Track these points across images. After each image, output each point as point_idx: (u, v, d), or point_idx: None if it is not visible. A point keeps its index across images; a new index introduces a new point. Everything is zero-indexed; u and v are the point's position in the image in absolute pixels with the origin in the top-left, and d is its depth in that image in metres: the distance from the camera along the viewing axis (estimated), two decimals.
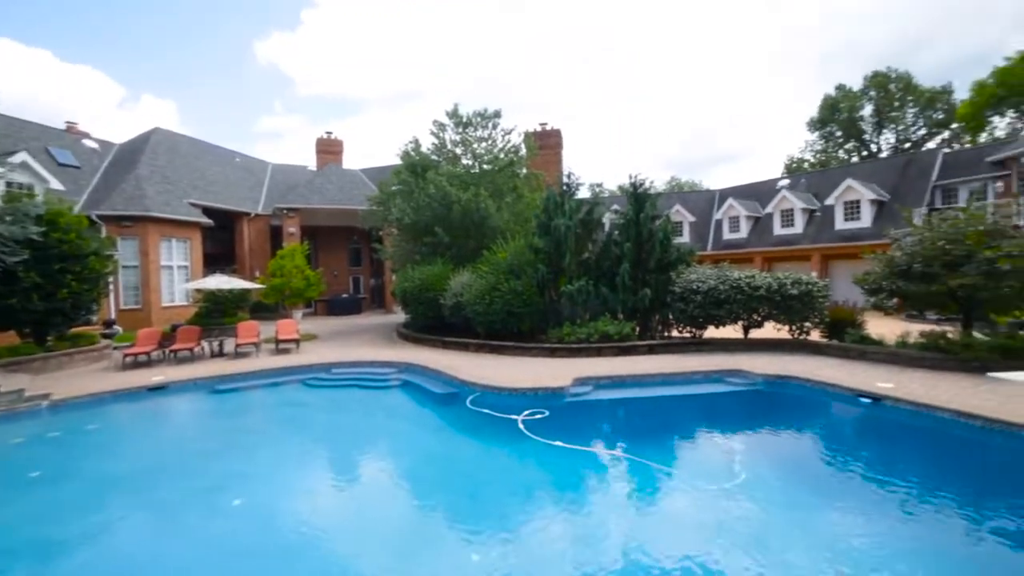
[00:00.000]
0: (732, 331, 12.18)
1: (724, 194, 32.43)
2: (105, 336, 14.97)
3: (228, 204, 24.17)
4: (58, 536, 4.60)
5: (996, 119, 36.77)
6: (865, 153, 45.75)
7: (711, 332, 12.14)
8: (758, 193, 30.29)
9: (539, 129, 29.33)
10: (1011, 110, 35.79)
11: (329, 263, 28.24)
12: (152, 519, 5.03)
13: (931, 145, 41.10)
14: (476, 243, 16.11)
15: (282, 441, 7.63)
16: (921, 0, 60.69)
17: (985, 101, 35.57)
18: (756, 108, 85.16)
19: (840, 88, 46.40)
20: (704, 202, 33.13)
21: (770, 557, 3.92)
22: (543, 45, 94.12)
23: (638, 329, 12.37)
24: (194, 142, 26.92)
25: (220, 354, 13.08)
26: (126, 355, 12.07)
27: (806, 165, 48.50)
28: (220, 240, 25.43)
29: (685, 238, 30.05)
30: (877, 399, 7.48)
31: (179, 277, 19.60)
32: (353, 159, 57.39)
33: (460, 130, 18.72)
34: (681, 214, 31.25)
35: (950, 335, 9.73)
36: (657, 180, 67.02)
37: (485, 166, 18.39)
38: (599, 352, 11.21)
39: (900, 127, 44.87)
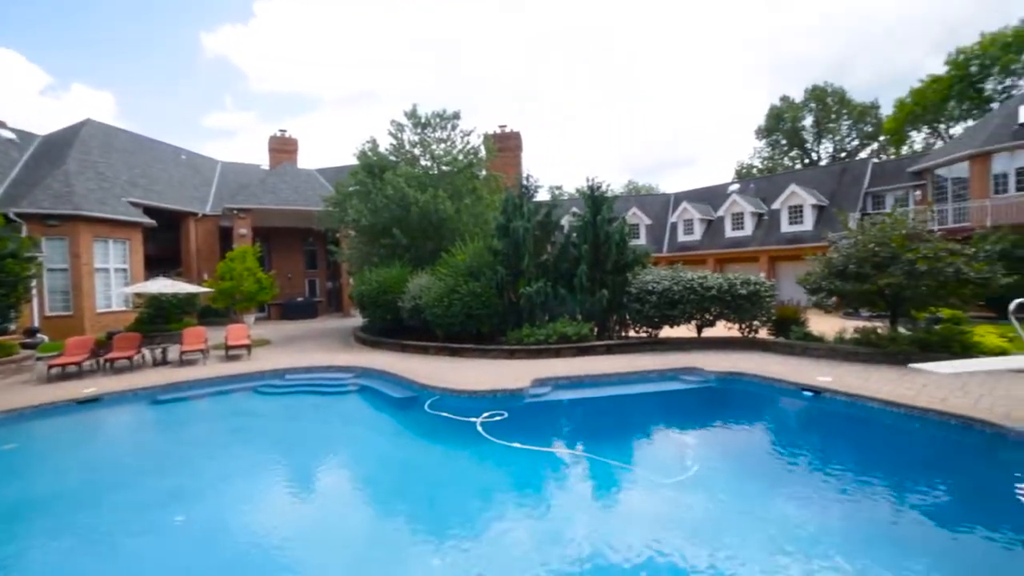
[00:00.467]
0: (686, 330, 12.62)
1: (679, 198, 33.57)
2: (26, 346, 13.78)
3: (173, 203, 22.91)
4: None
5: (914, 133, 40.58)
6: (807, 161, 48.55)
7: (666, 332, 12.53)
8: (711, 197, 31.53)
9: (498, 131, 29.41)
10: (925, 126, 39.75)
11: (283, 266, 27.26)
12: (74, 545, 4.54)
13: (863, 155, 44.21)
14: (435, 245, 15.98)
15: (231, 452, 7.24)
16: (853, 22, 65.42)
17: (905, 117, 39.50)
18: (711, 114, 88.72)
19: (784, 99, 49.12)
20: (660, 205, 34.16)
21: (721, 543, 4.12)
22: (506, 45, 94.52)
23: (596, 330, 12.61)
24: (134, 137, 25.31)
25: (163, 362, 12.35)
26: (51, 366, 11.17)
27: (755, 171, 50.97)
28: (164, 241, 24.06)
29: (642, 240, 30.87)
30: (818, 392, 7.94)
31: (117, 281, 18.37)
32: (309, 159, 55.46)
33: (419, 131, 18.53)
34: (638, 216, 32.07)
35: (879, 331, 10.48)
36: (615, 183, 68.78)
37: (444, 167, 18.27)
38: (558, 353, 11.34)
39: (837, 138, 48.02)
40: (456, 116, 18.55)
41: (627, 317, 12.59)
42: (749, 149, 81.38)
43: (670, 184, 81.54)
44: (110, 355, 11.88)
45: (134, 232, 19.17)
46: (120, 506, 5.30)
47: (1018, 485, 5.27)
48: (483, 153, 18.98)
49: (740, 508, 4.88)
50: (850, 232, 11.02)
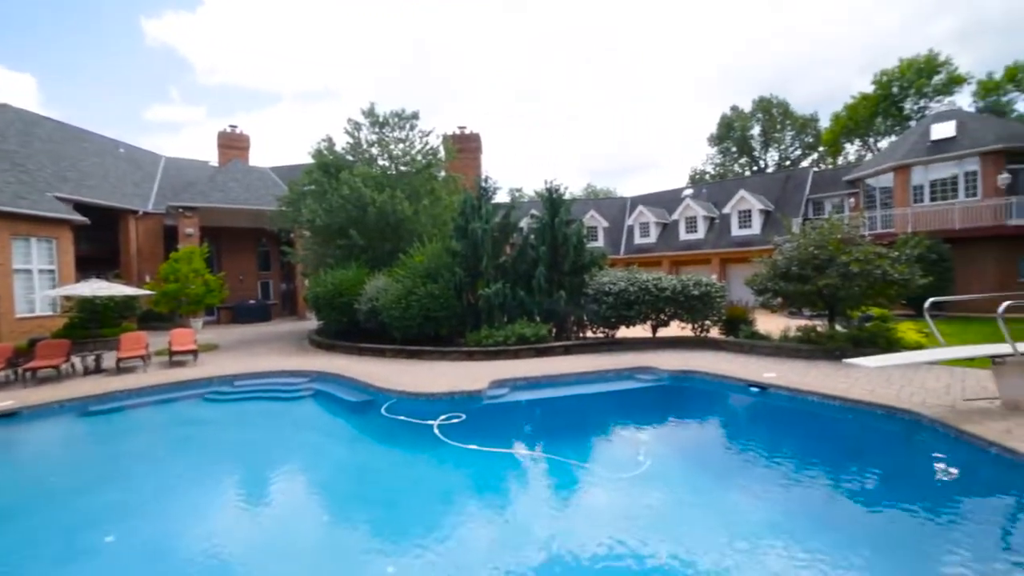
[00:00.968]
0: (642, 330, 12.97)
1: (635, 201, 34.50)
2: None
3: (109, 200, 21.46)
4: None
5: (848, 145, 44.12)
6: (755, 168, 51.06)
7: (623, 332, 12.83)
8: (666, 201, 32.57)
9: (458, 132, 29.32)
10: (857, 139, 43.31)
11: (234, 267, 26.09)
12: None
13: (805, 164, 47.01)
14: (392, 246, 15.74)
15: (172, 464, 6.77)
16: (794, 41, 69.70)
17: (840, 130, 42.99)
18: (668, 121, 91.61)
19: (734, 109, 51.52)
20: (617, 209, 35.00)
21: (673, 533, 4.30)
22: (471, 46, 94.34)
23: (554, 331, 12.77)
24: (62, 127, 23.54)
25: (97, 370, 11.52)
26: None
27: (707, 176, 53.10)
28: (100, 241, 22.56)
29: (600, 242, 31.51)
30: (764, 388, 8.32)
31: (43, 283, 16.96)
32: (265, 157, 53.38)
33: (376, 130, 18.22)
34: (596, 219, 32.72)
35: (819, 329, 11.14)
36: (575, 186, 70.05)
37: (402, 167, 18.05)
38: (516, 354, 11.40)
39: (782, 147, 50.89)
40: (415, 116, 18.36)
41: (584, 318, 12.81)
42: (702, 155, 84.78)
43: (628, 188, 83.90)
44: (31, 364, 10.89)
45: (62, 230, 17.73)
46: (35, 530, 4.79)
47: (935, 465, 5.74)
48: (442, 154, 18.87)
49: (691, 499, 5.09)
50: (793, 236, 11.63)
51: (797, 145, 50.12)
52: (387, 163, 18.30)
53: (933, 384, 7.71)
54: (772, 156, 51.31)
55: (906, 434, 6.29)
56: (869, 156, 37.56)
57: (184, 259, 17.04)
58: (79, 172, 21.45)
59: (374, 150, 18.44)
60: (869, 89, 40.77)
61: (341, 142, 18.18)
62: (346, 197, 15.51)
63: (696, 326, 12.50)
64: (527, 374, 9.57)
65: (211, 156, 29.75)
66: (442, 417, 7.45)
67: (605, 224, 32.93)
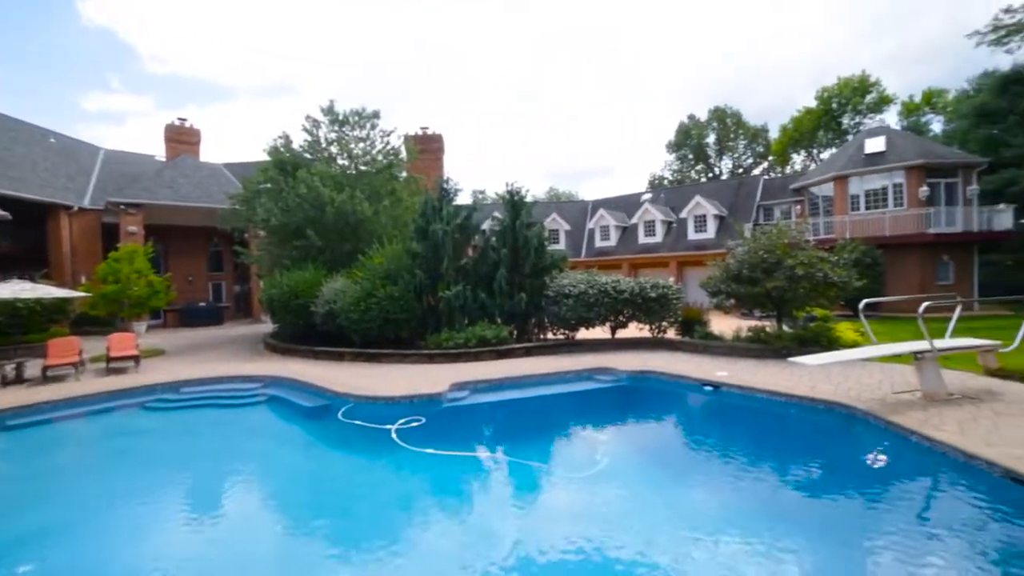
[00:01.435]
0: (601, 332, 13.22)
1: (596, 205, 35.17)
2: None
3: (37, 193, 19.87)
4: None
5: (795, 156, 47.05)
6: (711, 175, 53.15)
7: (583, 333, 13.03)
8: (626, 205, 33.37)
9: (420, 132, 29.04)
10: (803, 150, 46.28)
11: (183, 268, 24.77)
12: None
13: (756, 172, 49.27)
14: (352, 247, 15.40)
15: (106, 480, 6.22)
16: (749, 56, 73.24)
17: (787, 141, 45.94)
18: (630, 127, 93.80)
19: (691, 117, 53.51)
20: (579, 212, 35.57)
21: (630, 528, 4.42)
22: (436, 45, 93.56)
23: (515, 332, 12.83)
24: None
25: (18, 380, 10.57)
26: None
27: (666, 182, 54.79)
28: (26, 238, 20.93)
29: (561, 245, 31.93)
30: (717, 386, 8.66)
31: None
32: (217, 153, 50.78)
33: (336, 128, 17.78)
34: (558, 222, 33.13)
35: (768, 329, 11.69)
36: (538, 189, 70.69)
37: (362, 167, 17.69)
38: (477, 356, 11.39)
39: (735, 155, 53.24)
40: (376, 115, 18.05)
41: (545, 320, 12.94)
42: (661, 162, 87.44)
43: (590, 191, 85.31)
44: None
45: None
46: None
47: (868, 454, 6.17)
48: (404, 154, 18.64)
49: (648, 494, 5.26)
50: (744, 241, 12.16)
51: (749, 154, 52.58)
52: (347, 162, 17.89)
53: (867, 380, 8.25)
54: (726, 164, 53.60)
55: (844, 426, 6.70)
56: (813, 166, 39.85)
57: (125, 259, 16.03)
58: (1, 162, 19.81)
59: (333, 149, 17.98)
60: (813, 104, 43.69)
61: (299, 140, 17.65)
62: (303, 196, 15.07)
63: (653, 327, 12.85)
64: (488, 376, 9.57)
65: (159, 150, 28.11)
66: (400, 421, 7.34)
67: (567, 227, 33.39)
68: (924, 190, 20.28)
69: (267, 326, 19.53)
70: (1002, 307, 18.69)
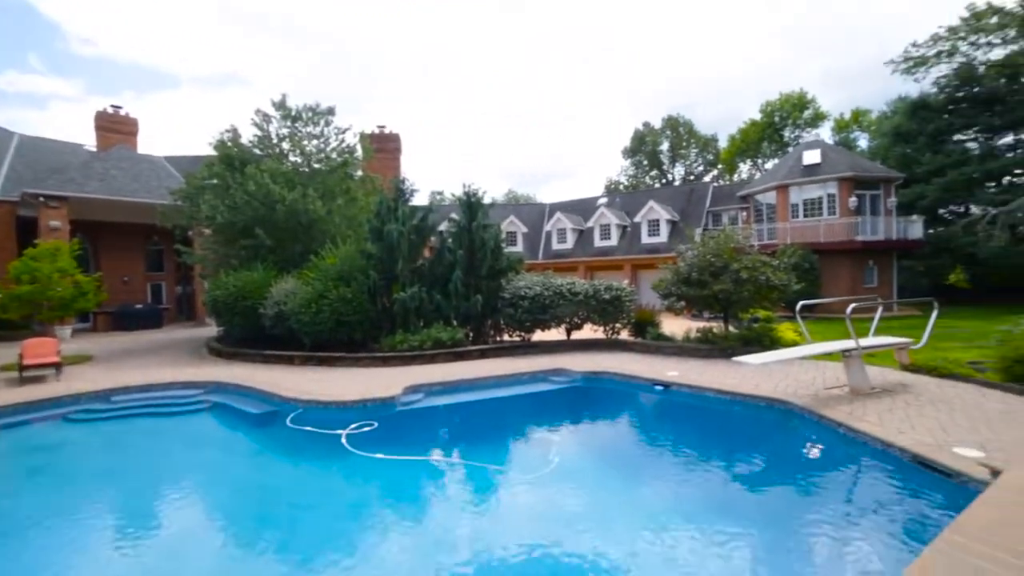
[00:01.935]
0: (557, 333, 13.40)
1: (553, 208, 35.65)
2: None
3: None
4: None
5: (742, 165, 49.91)
6: (664, 181, 55.01)
7: (539, 335, 13.16)
8: (582, 208, 34.01)
9: (377, 131, 28.49)
10: (749, 159, 49.17)
11: (116, 268, 23.14)
12: None
13: (707, 179, 51.46)
14: (303, 247, 14.90)
15: (15, 503, 5.44)
16: (700, 67, 76.49)
17: (735, 150, 48.70)
18: (588, 132, 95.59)
19: (646, 125, 55.28)
20: (536, 214, 35.95)
21: (582, 525, 4.52)
22: (394, 41, 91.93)
23: (471, 334, 12.80)
24: None
25: None
26: None
27: (621, 187, 56.28)
28: None
29: (519, 247, 32.17)
30: (667, 386, 8.93)
31: None
32: (158, 145, 47.47)
33: (288, 124, 17.15)
34: (515, 225, 33.36)
35: (715, 330, 12.22)
36: (497, 191, 70.91)
37: (316, 165, 17.16)
38: (433, 359, 11.29)
39: (687, 162, 55.44)
40: (331, 112, 17.55)
41: (501, 322, 12.98)
42: (617, 167, 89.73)
43: (548, 194, 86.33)
44: None
45: None
46: None
47: (803, 445, 6.57)
48: (359, 153, 18.22)
49: (601, 491, 5.38)
50: (694, 245, 12.65)
51: (700, 162, 54.92)
52: (299, 160, 17.29)
53: (803, 377, 8.78)
54: (679, 170, 55.71)
55: (783, 421, 7.08)
56: (758, 175, 42.14)
57: (46, 257, 14.72)
58: None
59: (285, 145, 17.34)
60: (758, 116, 46.38)
61: (248, 134, 16.91)
62: (252, 193, 14.43)
63: (607, 328, 13.14)
64: (443, 379, 9.50)
65: (89, 139, 26.02)
66: (352, 426, 7.16)
67: (524, 229, 33.66)
68: (853, 200, 21.90)
69: (211, 329, 18.55)
70: (915, 308, 20.40)
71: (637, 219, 29.22)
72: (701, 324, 13.80)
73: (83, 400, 9.03)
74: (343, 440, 6.71)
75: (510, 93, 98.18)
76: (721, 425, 7.70)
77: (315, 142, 17.42)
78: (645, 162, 56.07)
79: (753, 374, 9.01)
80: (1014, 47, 24.15)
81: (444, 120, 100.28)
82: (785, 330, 11.86)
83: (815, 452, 6.36)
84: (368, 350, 11.95)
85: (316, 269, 12.69)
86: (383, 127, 29.34)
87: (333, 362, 11.44)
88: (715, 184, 34.40)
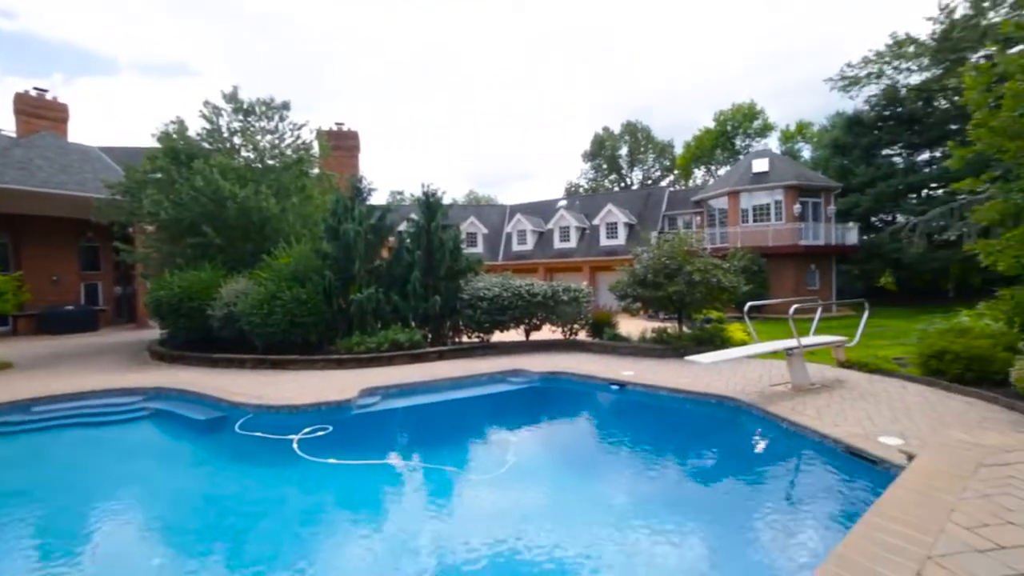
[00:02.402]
0: (516, 334, 13.47)
1: (514, 209, 35.86)
2: None
3: None
4: None
5: (697, 171, 52.10)
6: (623, 184, 56.40)
7: (498, 336, 13.19)
8: (542, 210, 34.37)
9: (335, 128, 27.79)
10: (703, 166, 51.44)
11: (43, 266, 21.41)
12: None
13: (663, 184, 53.16)
14: (255, 246, 14.34)
15: None
16: (651, 79, 79.09)
17: (690, 157, 50.77)
18: (550, 135, 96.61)
19: (606, 130, 56.53)
20: (497, 216, 36.06)
21: (539, 523, 4.58)
22: (351, 34, 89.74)
23: (430, 336, 12.69)
24: None
25: None
26: None
27: (581, 189, 57.30)
28: None
29: (479, 248, 32.17)
30: (623, 385, 9.14)
31: None
32: (93, 134, 44.19)
33: (240, 118, 16.47)
34: (476, 226, 33.34)
35: (669, 330, 12.64)
36: (458, 192, 70.63)
37: (270, 161, 16.56)
38: (390, 361, 11.11)
39: (645, 167, 57.05)
40: (285, 106, 16.97)
41: (460, 323, 12.93)
42: (577, 170, 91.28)
43: (510, 196, 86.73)
44: None
45: None
46: None
47: (750, 440, 6.90)
48: (316, 150, 17.72)
49: (559, 489, 5.48)
50: (650, 247, 13.04)
51: (657, 167, 56.66)
52: (252, 155, 16.63)
53: (751, 374, 9.20)
54: (637, 175, 57.29)
55: (732, 417, 7.40)
56: (711, 181, 43.93)
57: None
58: None
59: (236, 140, 16.62)
60: (711, 125, 48.45)
61: (196, 127, 16.11)
62: (200, 189, 13.75)
63: (566, 329, 13.35)
64: (400, 381, 9.37)
65: (8, 124, 23.84)
66: (305, 431, 6.95)
67: (485, 230, 33.69)
68: (797, 207, 23.28)
69: (155, 332, 17.51)
70: (851, 308, 21.87)
71: (596, 221, 29.82)
72: (656, 325, 14.24)
73: None
74: (295, 446, 6.51)
75: (475, 93, 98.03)
76: (674, 422, 7.95)
77: (269, 137, 16.80)
78: (604, 166, 57.31)
79: (705, 373, 9.35)
80: (927, 74, 26.69)
81: (404, 122, 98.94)
82: (735, 330, 12.42)
83: (761, 446, 6.71)
84: (324, 352, 11.63)
85: (269, 269, 12.25)
86: (341, 124, 28.62)
87: (286, 365, 11.07)
88: (671, 189, 35.58)
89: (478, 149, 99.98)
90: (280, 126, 16.97)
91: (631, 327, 14.06)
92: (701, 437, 7.38)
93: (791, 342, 7.96)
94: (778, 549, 4.11)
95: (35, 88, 23.12)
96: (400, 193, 58.97)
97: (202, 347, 12.63)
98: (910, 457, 4.34)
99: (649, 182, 54.98)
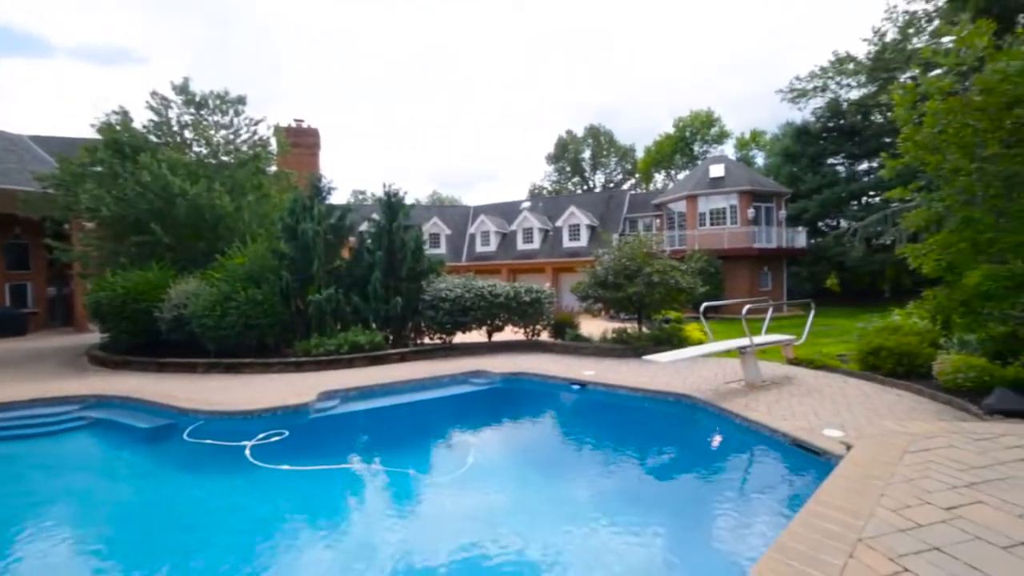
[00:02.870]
0: (478, 335, 13.45)
1: (477, 210, 35.85)
2: None
3: None
4: None
5: (657, 175, 53.76)
6: (585, 187, 57.34)
7: (460, 337, 13.14)
8: (506, 211, 34.50)
9: (294, 125, 26.97)
10: (663, 170, 53.18)
11: None
12: None
13: (625, 187, 54.41)
14: (208, 246, 13.73)
15: None
16: (617, 83, 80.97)
17: (651, 161, 52.34)
18: (514, 137, 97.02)
19: (569, 133, 57.33)
20: (460, 217, 35.94)
21: (501, 523, 4.60)
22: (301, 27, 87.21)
23: (391, 338, 12.51)
24: None
25: None
26: None
27: (544, 191, 57.87)
28: None
29: (442, 249, 31.99)
30: (583, 385, 9.28)
31: None
32: (21, 122, 40.99)
33: (192, 110, 15.75)
34: (439, 226, 33.12)
35: (629, 330, 12.93)
36: (421, 193, 70.03)
37: (224, 157, 15.91)
38: (350, 363, 10.88)
39: (607, 170, 58.22)
40: (241, 100, 16.35)
41: (422, 324, 12.81)
42: (541, 172, 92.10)
43: (474, 197, 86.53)
44: None
45: None
46: None
47: (706, 435, 7.18)
48: (274, 146, 17.15)
49: (521, 489, 5.52)
50: (610, 249, 13.31)
51: (619, 170, 57.96)
52: (204, 150, 15.93)
53: (706, 373, 9.54)
54: (599, 178, 58.39)
55: (688, 415, 7.64)
56: (671, 185, 45.32)
57: None
58: None
59: (188, 133, 15.90)
60: (671, 130, 50.03)
61: (143, 118, 15.29)
62: (147, 185, 13.05)
63: (528, 330, 13.44)
64: (360, 383, 9.19)
65: None
66: (260, 436, 6.71)
67: (448, 231, 33.52)
68: (751, 211, 24.36)
69: (95, 336, 16.46)
70: (801, 308, 23.04)
71: (559, 223, 30.18)
72: (617, 325, 14.54)
73: None
74: (247, 452, 6.27)
75: (442, 93, 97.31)
76: (633, 420, 8.14)
77: (223, 132, 16.16)
78: (567, 168, 58.13)
79: (663, 371, 9.60)
80: (865, 90, 28.79)
81: (367, 122, 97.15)
82: (692, 330, 12.84)
83: (716, 441, 6.97)
84: (281, 355, 11.26)
85: (223, 269, 11.77)
86: (300, 121, 27.81)
87: (241, 369, 10.65)
88: (632, 192, 36.45)
89: (442, 150, 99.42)
90: (235, 121, 16.35)
91: (593, 328, 14.29)
92: (659, 434, 7.59)
93: (744, 341, 8.30)
94: (730, 539, 4.30)
95: None
96: (363, 193, 57.98)
97: (149, 351, 11.98)
98: (848, 447, 4.63)
99: (611, 185, 56.12)
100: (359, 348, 11.17)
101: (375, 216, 13.29)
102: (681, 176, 46.34)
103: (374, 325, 12.21)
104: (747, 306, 8.32)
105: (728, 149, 48.88)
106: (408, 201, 13.49)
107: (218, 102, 16.00)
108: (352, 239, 13.51)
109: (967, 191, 6.49)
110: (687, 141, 49.46)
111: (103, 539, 4.76)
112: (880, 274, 25.52)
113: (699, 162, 42.91)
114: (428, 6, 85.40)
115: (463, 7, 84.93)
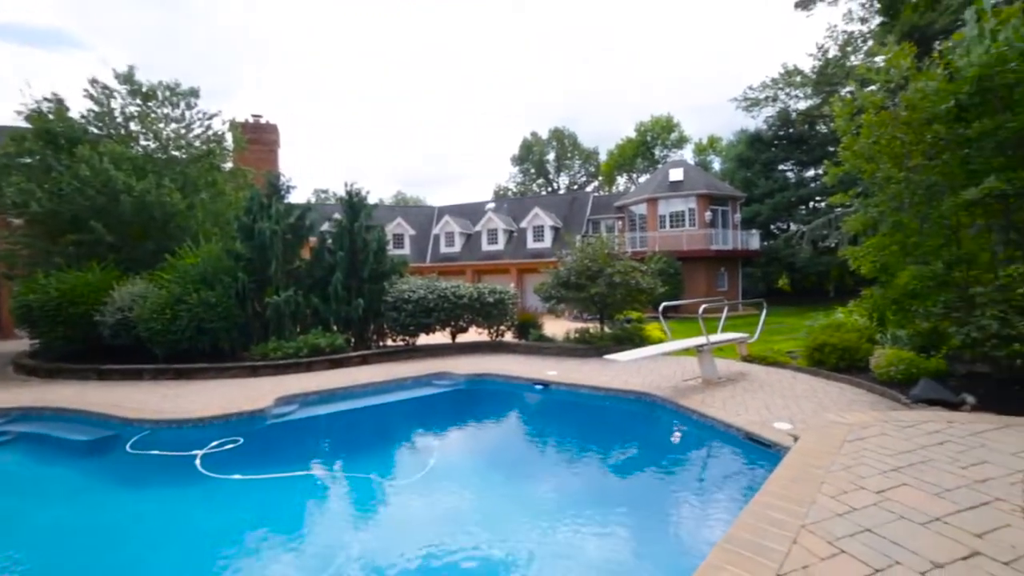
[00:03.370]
0: (442, 337, 13.37)
1: (442, 211, 35.61)
2: None
3: None
4: None
5: (620, 178, 55.11)
6: (550, 189, 57.95)
7: (423, 339, 13.03)
8: (470, 212, 34.42)
9: (252, 121, 26.01)
10: (625, 173, 54.58)
11: None
12: None
13: (588, 189, 55.30)
14: (157, 245, 13.06)
15: None
16: (588, 85, 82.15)
17: (613, 164, 53.59)
18: (480, 138, 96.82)
19: (534, 135, 57.84)
20: (424, 217, 35.60)
21: (467, 525, 4.59)
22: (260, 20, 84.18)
23: (353, 340, 12.26)
24: None
25: None
26: None
27: (509, 193, 58.09)
28: None
29: (406, 250, 31.61)
30: (547, 385, 9.36)
31: None
32: None
33: (138, 101, 14.95)
34: (403, 227, 32.71)
35: (592, 330, 13.14)
36: (384, 193, 68.92)
37: (175, 152, 15.19)
38: (310, 367, 10.59)
39: (571, 172, 59.05)
40: (194, 93, 15.68)
41: (385, 326, 12.62)
42: (506, 173, 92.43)
43: (437, 198, 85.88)
44: None
45: None
46: None
47: (665, 431, 7.38)
48: (229, 142, 16.50)
49: (485, 489, 5.52)
50: (573, 250, 13.50)
51: (583, 172, 58.89)
52: (153, 144, 15.15)
53: (665, 371, 9.81)
54: (563, 180, 59.14)
55: (648, 412, 7.84)
56: (632, 188, 46.40)
57: None
58: None
59: (133, 126, 15.09)
60: (633, 135, 51.34)
61: (81, 107, 14.40)
62: (86, 180, 12.29)
63: (492, 331, 13.45)
64: (320, 387, 8.97)
65: None
66: (212, 444, 6.43)
67: (412, 232, 33.14)
68: (708, 214, 25.25)
69: (24, 343, 15.31)
70: (755, 307, 24.09)
71: (523, 224, 30.36)
72: (580, 325, 14.75)
73: None
74: (197, 462, 5.98)
75: (406, 94, 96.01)
76: (595, 419, 8.27)
77: (174, 126, 15.46)
78: (532, 170, 58.58)
79: (624, 370, 9.82)
80: (811, 102, 30.57)
81: (330, 120, 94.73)
82: (652, 329, 13.18)
83: (675, 437, 7.18)
84: (236, 359, 10.84)
85: (173, 270, 11.23)
86: (259, 116, 26.81)
87: (193, 374, 10.17)
88: (595, 194, 37.07)
89: (407, 151, 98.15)
90: (187, 114, 15.68)
91: (556, 328, 14.44)
92: (621, 432, 7.74)
93: (701, 340, 8.59)
94: (688, 531, 4.46)
95: None
96: (325, 192, 56.52)
97: (88, 358, 11.26)
98: (796, 439, 4.87)
99: (575, 187, 56.93)
100: (319, 351, 10.88)
101: (337, 216, 12.99)
102: (642, 179, 47.52)
103: (335, 327, 11.95)
104: (704, 306, 8.62)
105: (687, 154, 50.66)
106: (371, 201, 13.26)
107: (168, 94, 15.28)
108: (312, 239, 13.14)
109: (897, 198, 7.00)
110: (648, 145, 50.90)
111: (25, 567, 4.29)
112: (826, 274, 27.03)
113: (660, 166, 44.16)
114: (395, 5, 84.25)
115: (427, 5, 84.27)
